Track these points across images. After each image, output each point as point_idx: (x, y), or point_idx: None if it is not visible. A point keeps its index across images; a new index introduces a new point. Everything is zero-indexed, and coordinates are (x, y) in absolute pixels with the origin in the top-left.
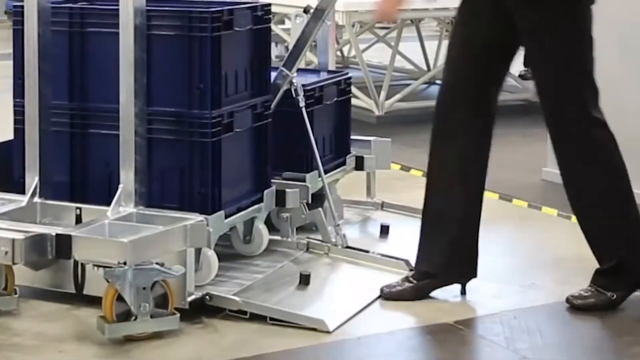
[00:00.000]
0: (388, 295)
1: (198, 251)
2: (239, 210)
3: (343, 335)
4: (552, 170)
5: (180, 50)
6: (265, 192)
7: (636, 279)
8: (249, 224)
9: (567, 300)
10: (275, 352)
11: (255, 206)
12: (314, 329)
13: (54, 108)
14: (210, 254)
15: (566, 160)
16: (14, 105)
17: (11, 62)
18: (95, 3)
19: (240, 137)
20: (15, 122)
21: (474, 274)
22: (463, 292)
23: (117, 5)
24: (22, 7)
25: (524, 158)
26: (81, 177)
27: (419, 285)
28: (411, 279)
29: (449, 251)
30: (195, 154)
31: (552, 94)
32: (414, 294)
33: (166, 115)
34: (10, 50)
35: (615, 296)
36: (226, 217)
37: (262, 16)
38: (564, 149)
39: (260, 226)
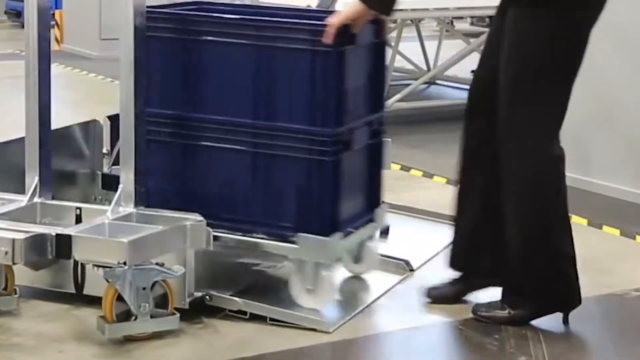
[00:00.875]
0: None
1: (315, 272)
2: (353, 230)
3: (343, 335)
4: None
5: (304, 65)
6: (376, 210)
7: (538, 305)
8: (359, 243)
9: (474, 307)
10: (275, 352)
11: (368, 225)
12: (314, 329)
13: (160, 117)
14: (327, 276)
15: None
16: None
17: (11, 62)
18: (206, 9)
19: (357, 154)
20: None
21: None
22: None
23: (232, 13)
24: (155, 11)
25: None
26: (190, 189)
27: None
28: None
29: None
30: (315, 172)
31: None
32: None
33: (287, 132)
34: (11, 50)
35: (512, 313)
36: (343, 237)
37: (379, 30)
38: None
39: (371, 245)
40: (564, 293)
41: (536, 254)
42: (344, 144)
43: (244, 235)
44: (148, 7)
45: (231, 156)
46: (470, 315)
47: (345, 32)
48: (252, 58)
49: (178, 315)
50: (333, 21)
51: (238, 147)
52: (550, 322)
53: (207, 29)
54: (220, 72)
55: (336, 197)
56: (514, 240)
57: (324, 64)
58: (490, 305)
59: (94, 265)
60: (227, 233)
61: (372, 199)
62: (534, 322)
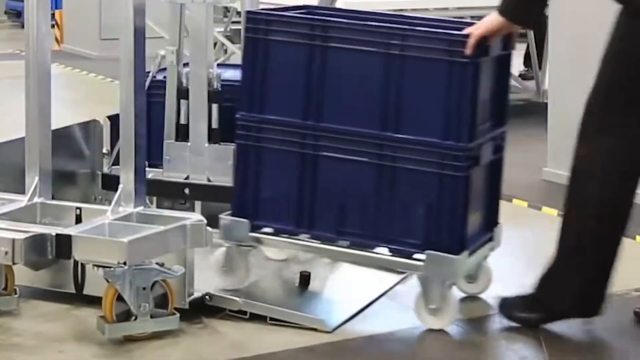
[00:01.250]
0: None
1: (441, 291)
2: (476, 248)
3: (343, 335)
4: (552, 170)
5: (439, 75)
6: (495, 229)
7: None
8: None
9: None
10: (275, 352)
11: (488, 244)
12: (314, 329)
13: (277, 124)
14: (452, 295)
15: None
16: (237, 120)
17: (11, 62)
18: (317, 14)
19: (482, 171)
20: (237, 137)
21: None
22: None
23: (362, 20)
24: (253, 13)
25: (524, 158)
26: (309, 201)
27: None
28: None
29: None
30: (446, 188)
31: None
32: None
33: (417, 144)
34: (11, 50)
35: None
36: (469, 256)
37: (508, 41)
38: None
39: (487, 265)
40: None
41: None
42: (474, 159)
43: (366, 251)
44: (266, 9)
45: (354, 168)
46: (471, 315)
47: (482, 43)
48: (383, 67)
49: (178, 315)
50: (474, 32)
51: (362, 159)
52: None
53: (335, 35)
54: (347, 80)
55: (466, 214)
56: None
57: (461, 76)
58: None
59: (94, 265)
60: (349, 248)
61: (492, 217)
62: None
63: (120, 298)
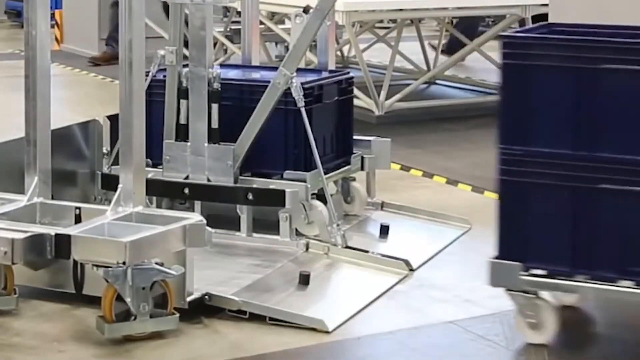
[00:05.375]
0: None
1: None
2: None
3: (343, 335)
4: None
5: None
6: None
7: None
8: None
9: None
10: (274, 352)
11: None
12: (314, 329)
13: (547, 157)
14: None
15: None
16: (500, 154)
17: (11, 62)
18: (560, 32)
19: None
20: (500, 172)
21: None
22: None
23: (632, 37)
24: (512, 37)
25: None
26: (587, 240)
27: None
28: None
29: None
30: None
31: None
32: None
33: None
34: (11, 50)
35: None
36: None
37: None
38: None
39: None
40: None
41: None
42: None
43: None
44: (519, 33)
45: (635, 200)
46: (470, 315)
47: None
48: None
49: (177, 315)
50: None
51: None
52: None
53: (606, 56)
54: (625, 105)
55: None
56: None
57: None
58: None
59: (94, 265)
60: (634, 288)
61: None
62: None
63: (119, 298)
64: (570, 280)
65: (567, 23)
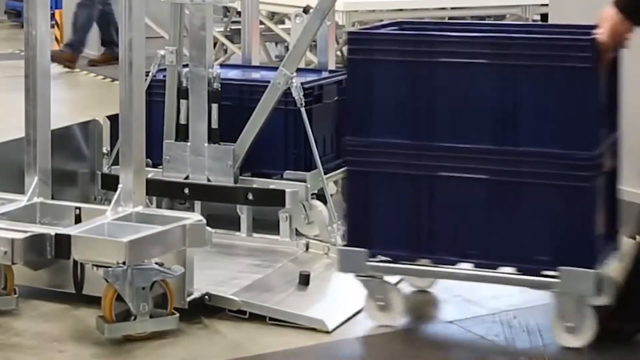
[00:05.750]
0: None
1: (579, 308)
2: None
3: (343, 335)
4: None
5: (557, 83)
6: (617, 237)
7: None
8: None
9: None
10: (274, 352)
11: (614, 254)
12: (314, 329)
13: (391, 147)
14: (589, 310)
15: None
16: (346, 146)
17: (10, 62)
18: (411, 29)
19: (604, 178)
20: (347, 162)
21: None
22: None
23: (465, 31)
24: (355, 33)
25: None
26: (427, 226)
27: None
28: None
29: None
30: (576, 200)
31: None
32: None
33: (538, 157)
34: (11, 50)
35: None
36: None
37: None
38: None
39: (611, 275)
40: None
41: None
42: (599, 167)
43: (490, 271)
44: (365, 29)
45: (473, 186)
46: (470, 315)
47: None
48: (496, 78)
49: (177, 315)
50: (602, 38)
51: (481, 176)
52: (550, 321)
53: (442, 50)
54: (458, 96)
55: (597, 225)
56: None
57: (583, 81)
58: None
59: (93, 265)
60: (472, 270)
61: (614, 225)
62: (536, 320)
63: (119, 298)
64: (412, 265)
65: (418, 21)
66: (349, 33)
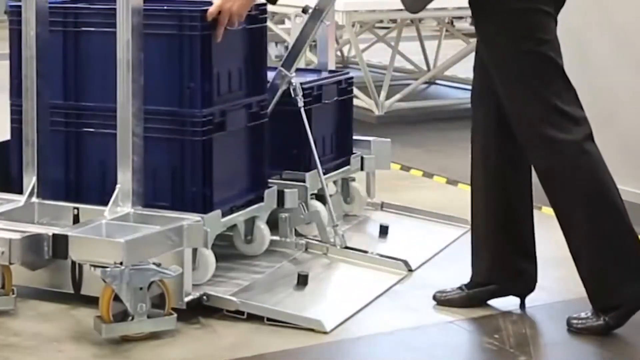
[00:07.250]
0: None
1: (195, 250)
2: (235, 209)
3: (341, 335)
4: None
5: (171, 50)
6: (266, 192)
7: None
8: (250, 223)
9: (568, 321)
10: (273, 352)
11: (255, 206)
12: (312, 330)
13: (51, 107)
14: (208, 254)
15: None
16: (11, 105)
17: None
18: (92, 2)
19: (233, 136)
20: (12, 121)
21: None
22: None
23: (112, 4)
24: (19, 7)
25: None
26: (76, 176)
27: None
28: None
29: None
30: (189, 153)
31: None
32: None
33: (159, 114)
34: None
35: (607, 319)
36: (223, 216)
37: (257, 16)
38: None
39: (262, 226)
40: None
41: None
42: (216, 125)
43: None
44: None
45: (107, 140)
46: (470, 315)
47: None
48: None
49: (175, 315)
50: (212, 10)
51: (110, 131)
52: (550, 321)
53: (82, 20)
54: (101, 61)
55: (208, 177)
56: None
57: (190, 49)
58: (583, 317)
59: (91, 265)
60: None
61: (257, 180)
62: (536, 320)
63: (117, 298)
64: None
65: None
66: (10, 7)
